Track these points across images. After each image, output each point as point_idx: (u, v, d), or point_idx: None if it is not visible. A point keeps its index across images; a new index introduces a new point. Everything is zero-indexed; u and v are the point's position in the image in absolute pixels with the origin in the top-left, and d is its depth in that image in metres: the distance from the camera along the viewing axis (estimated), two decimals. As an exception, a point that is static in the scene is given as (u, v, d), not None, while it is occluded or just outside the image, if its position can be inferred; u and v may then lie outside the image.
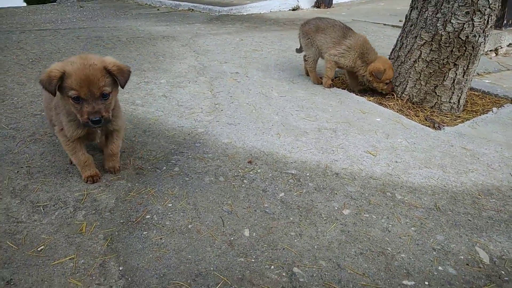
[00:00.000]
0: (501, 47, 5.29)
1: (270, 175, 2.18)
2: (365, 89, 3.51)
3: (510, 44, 5.37)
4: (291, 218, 1.84)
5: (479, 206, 2.00)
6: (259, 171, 2.21)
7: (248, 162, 2.29)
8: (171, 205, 1.87)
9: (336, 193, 2.05)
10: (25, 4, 14.27)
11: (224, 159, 2.31)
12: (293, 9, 7.84)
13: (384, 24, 5.98)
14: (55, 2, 12.23)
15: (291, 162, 2.32)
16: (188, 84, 3.42)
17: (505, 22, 5.25)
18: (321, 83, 3.55)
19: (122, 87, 1.79)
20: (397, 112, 3.09)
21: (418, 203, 2.01)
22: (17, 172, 2.08)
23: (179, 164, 2.21)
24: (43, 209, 1.81)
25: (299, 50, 3.75)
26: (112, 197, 1.90)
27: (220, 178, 2.11)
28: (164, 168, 2.17)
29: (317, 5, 8.02)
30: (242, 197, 1.97)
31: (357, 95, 3.40)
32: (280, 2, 7.76)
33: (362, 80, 3.44)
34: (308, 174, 2.21)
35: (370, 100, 3.29)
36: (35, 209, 1.81)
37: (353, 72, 3.41)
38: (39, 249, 1.58)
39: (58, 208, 1.82)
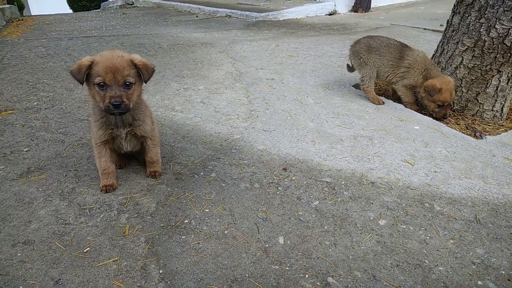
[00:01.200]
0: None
1: (304, 182, 2.20)
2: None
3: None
4: (326, 227, 1.85)
5: (523, 220, 1.93)
6: (293, 178, 2.24)
7: (282, 169, 2.33)
8: (208, 210, 1.94)
9: (372, 203, 2.04)
10: (71, 11, 15.11)
11: (259, 165, 2.36)
12: (330, 14, 7.80)
13: (424, 29, 5.83)
14: (100, 8, 12.87)
15: (326, 170, 2.33)
16: (225, 90, 3.50)
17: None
18: (382, 104, 3.27)
19: (145, 82, 1.90)
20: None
21: (458, 215, 1.96)
22: (66, 175, 2.23)
23: (216, 170, 2.28)
24: (89, 212, 1.93)
25: (351, 69, 3.50)
26: (153, 201, 1.99)
27: (255, 185, 2.16)
28: (202, 173, 2.25)
29: (355, 9, 7.93)
30: (276, 204, 2.00)
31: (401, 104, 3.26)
32: (317, 7, 7.75)
33: (418, 96, 3.20)
34: (343, 183, 2.21)
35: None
36: (82, 211, 1.93)
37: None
38: (85, 251, 1.69)
39: (103, 211, 1.93)
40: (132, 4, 11.77)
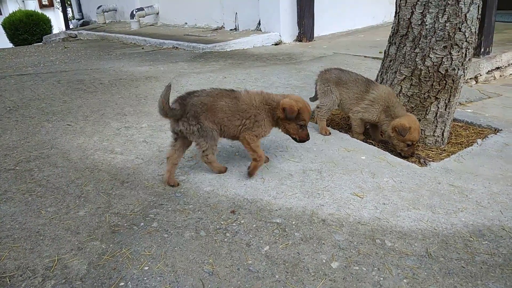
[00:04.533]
0: (481, 75, 5.38)
1: (254, 225, 2.09)
2: (386, 141, 3.24)
3: (489, 71, 5.48)
4: (277, 276, 1.73)
5: (471, 250, 1.93)
6: (242, 221, 2.12)
7: (231, 212, 2.20)
8: (147, 268, 1.75)
9: (324, 243, 1.96)
10: (11, 45, 14.33)
11: (206, 210, 2.21)
12: (276, 44, 7.96)
13: (365, 56, 6.07)
14: (42, 42, 12.32)
15: (276, 210, 2.23)
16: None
17: (482, 50, 5.38)
18: (329, 134, 3.26)
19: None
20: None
21: (409, 250, 1.92)
22: (-16, 236, 1.96)
23: (158, 219, 2.11)
24: (9, 280, 1.68)
25: (313, 99, 3.44)
26: (84, 262, 1.78)
27: (201, 233, 2.01)
28: (142, 224, 2.06)
29: (299, 39, 8.16)
30: (224, 254, 1.86)
31: (370, 143, 3.17)
32: (263, 37, 7.89)
33: (384, 135, 3.18)
34: (294, 223, 2.12)
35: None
36: (1, 281, 1.68)
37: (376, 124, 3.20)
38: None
39: (26, 279, 1.69)
40: (75, 37, 11.37)
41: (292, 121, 2.53)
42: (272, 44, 7.90)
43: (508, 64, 5.59)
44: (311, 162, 2.78)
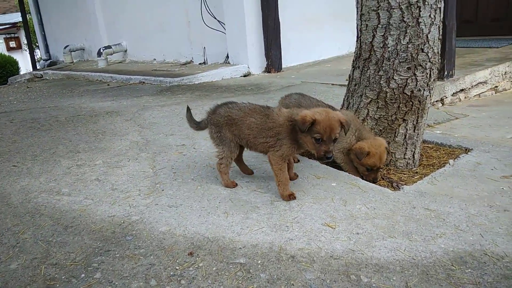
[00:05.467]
0: (446, 97, 5.44)
1: (214, 268, 1.84)
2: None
3: (454, 93, 5.55)
4: (238, 328, 1.48)
5: (455, 280, 1.74)
6: (201, 265, 1.87)
7: (188, 254, 1.95)
8: (83, 330, 1.47)
9: (293, 284, 1.73)
10: (-28, 88, 13.81)
11: (160, 253, 1.95)
12: (245, 75, 7.94)
13: (332, 84, 6.07)
14: (7, 83, 11.92)
15: (240, 248, 2.00)
16: (127, 162, 3.11)
17: (446, 73, 5.46)
18: (298, 162, 3.06)
19: (345, 134, 2.46)
20: (352, 173, 2.89)
21: (388, 285, 1.72)
22: None
23: (102, 268, 1.83)
24: None
25: None
26: (5, 329, 1.48)
27: (151, 282, 1.74)
28: (83, 275, 1.78)
29: (268, 70, 8.18)
30: (177, 305, 1.60)
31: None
32: (231, 69, 7.86)
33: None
34: (259, 262, 1.89)
35: (323, 163, 3.09)
36: None
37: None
38: None
39: None
40: (41, 77, 11.05)
41: (307, 133, 2.28)
42: (241, 76, 7.87)
43: (472, 86, 5.69)
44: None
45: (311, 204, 2.45)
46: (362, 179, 2.87)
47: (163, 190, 2.63)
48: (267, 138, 2.47)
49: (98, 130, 3.94)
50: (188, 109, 2.86)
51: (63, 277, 1.77)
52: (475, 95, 5.78)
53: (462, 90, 5.62)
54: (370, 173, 2.83)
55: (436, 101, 5.31)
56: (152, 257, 1.93)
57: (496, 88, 5.99)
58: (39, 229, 2.17)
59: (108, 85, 7.86)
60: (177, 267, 1.85)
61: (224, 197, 2.53)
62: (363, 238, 2.07)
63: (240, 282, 1.74)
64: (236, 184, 2.69)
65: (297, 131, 2.34)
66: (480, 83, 5.80)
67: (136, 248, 2.00)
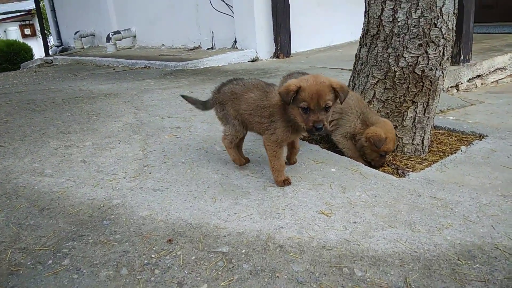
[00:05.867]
0: (461, 83, 5.14)
1: (193, 257, 1.68)
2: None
3: (470, 79, 5.25)
4: (209, 324, 1.32)
5: (460, 276, 1.54)
6: (179, 253, 1.71)
7: (167, 242, 1.79)
8: (37, 321, 1.33)
9: (278, 277, 1.56)
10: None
11: (136, 240, 1.80)
12: (252, 61, 7.72)
13: (342, 69, 5.82)
14: (19, 69, 11.95)
15: (224, 236, 1.83)
16: (117, 144, 2.96)
17: (462, 57, 5.16)
18: None
19: (341, 103, 2.12)
20: (355, 159, 2.69)
21: (384, 280, 1.53)
22: None
23: (72, 254, 1.69)
24: None
25: None
26: (-47, 317, 1.35)
27: (122, 271, 1.59)
28: (50, 262, 1.64)
29: (276, 55, 7.94)
30: (146, 297, 1.44)
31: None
32: (239, 54, 7.65)
33: (357, 144, 2.79)
34: (243, 251, 1.72)
35: (324, 147, 2.89)
36: None
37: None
38: None
39: None
40: (51, 63, 11.04)
41: (294, 105, 2.04)
42: (248, 61, 7.66)
43: (489, 72, 5.37)
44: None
45: (307, 190, 2.26)
46: (368, 165, 2.68)
47: (150, 173, 2.47)
48: (261, 118, 2.29)
49: (93, 112, 3.81)
50: (186, 96, 2.75)
51: (28, 263, 1.63)
52: (492, 82, 5.46)
53: (478, 76, 5.31)
54: (381, 158, 2.68)
55: (451, 86, 5.02)
56: (127, 243, 1.78)
57: (516, 74, 5.64)
58: (13, 211, 2.04)
59: (114, 69, 7.75)
60: (153, 255, 1.69)
61: (214, 181, 2.36)
62: (360, 228, 1.88)
63: (219, 273, 1.58)
64: (247, 161, 2.60)
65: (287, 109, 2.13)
66: (499, 69, 5.46)
67: (111, 234, 1.85)
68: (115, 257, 1.67)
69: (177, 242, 1.79)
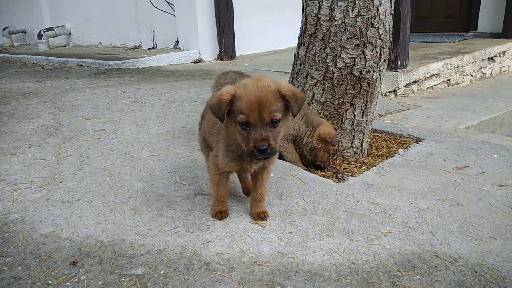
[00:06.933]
0: (399, 88, 5.27)
1: (100, 283, 1.40)
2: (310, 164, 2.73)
3: (407, 84, 5.39)
4: None
5: (400, 289, 1.42)
6: (83, 278, 1.42)
7: (70, 264, 1.50)
8: None
9: (199, 301, 1.33)
10: None
11: (32, 263, 1.49)
12: (195, 62, 7.45)
13: (285, 72, 5.74)
14: None
15: (141, 254, 1.58)
16: (27, 149, 2.57)
17: (399, 63, 5.29)
18: None
19: (294, 116, 1.57)
20: (294, 163, 2.54)
21: (319, 298, 1.37)
22: None
23: None
24: None
25: None
26: None
27: (2, 305, 1.28)
28: None
29: (220, 57, 7.73)
30: (29, 338, 1.15)
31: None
32: (181, 55, 7.34)
33: (303, 150, 2.67)
34: (162, 272, 1.48)
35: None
36: None
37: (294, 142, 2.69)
38: None
39: None
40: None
41: (231, 120, 1.57)
42: (191, 62, 7.37)
43: (425, 78, 5.57)
44: (206, 184, 2.18)
45: (241, 197, 2.07)
46: (309, 168, 2.58)
47: (61, 182, 2.14)
48: (213, 137, 1.83)
49: (5, 112, 3.34)
50: None
51: None
52: (428, 87, 5.66)
53: (415, 81, 5.48)
54: (329, 158, 2.66)
55: (389, 91, 5.12)
56: (20, 267, 1.46)
57: (448, 81, 5.91)
58: None
59: (43, 67, 7.09)
60: (50, 282, 1.39)
61: (136, 191, 2.09)
62: (296, 238, 1.71)
63: (129, 300, 1.32)
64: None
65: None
66: (433, 75, 5.69)
67: (2, 256, 1.52)
68: (1, 286, 1.35)
69: (82, 264, 1.50)
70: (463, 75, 6.12)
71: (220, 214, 1.84)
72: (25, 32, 12.09)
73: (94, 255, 1.55)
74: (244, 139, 1.52)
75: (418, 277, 1.48)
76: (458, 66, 5.99)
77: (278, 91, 1.51)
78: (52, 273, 1.44)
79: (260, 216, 1.84)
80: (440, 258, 1.57)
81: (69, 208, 1.88)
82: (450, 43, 7.23)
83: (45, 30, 9.88)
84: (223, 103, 1.50)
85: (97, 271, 1.46)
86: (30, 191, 2.04)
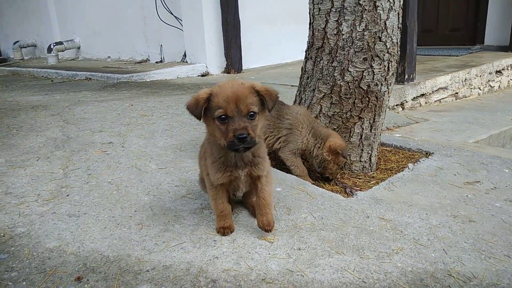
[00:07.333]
0: (406, 101, 5.24)
1: (104, 299, 1.38)
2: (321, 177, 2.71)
3: (414, 98, 5.37)
4: None
5: (413, 310, 1.37)
6: (87, 294, 1.40)
7: (75, 280, 1.48)
8: None
9: (206, 320, 1.30)
10: None
11: (37, 278, 1.47)
12: (203, 75, 7.50)
13: (292, 86, 5.75)
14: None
15: (147, 270, 1.55)
16: (35, 162, 2.58)
17: (406, 76, 5.27)
18: None
19: (269, 111, 1.67)
20: (302, 177, 2.52)
21: (329, 318, 1.33)
22: None
23: None
24: None
25: None
26: None
27: (5, 322, 1.26)
28: None
29: (227, 70, 7.78)
30: None
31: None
32: (188, 68, 7.40)
33: (312, 163, 2.66)
34: (168, 289, 1.45)
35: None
36: None
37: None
38: None
39: None
40: (-16, 74, 10.09)
41: (209, 118, 1.63)
42: (198, 75, 7.42)
43: (432, 91, 5.54)
44: None
45: (248, 212, 2.04)
46: (316, 182, 2.56)
47: (68, 195, 2.13)
48: (205, 164, 1.88)
49: (14, 125, 3.36)
50: None
51: None
52: (435, 101, 5.63)
53: (422, 95, 5.45)
54: (337, 170, 2.65)
55: (396, 105, 5.09)
56: (25, 283, 1.44)
57: (456, 94, 5.88)
58: None
59: (52, 81, 7.18)
60: (54, 298, 1.37)
61: (143, 205, 2.07)
62: (305, 255, 1.68)
63: (134, 318, 1.29)
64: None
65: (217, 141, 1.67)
66: (441, 88, 5.66)
67: (7, 271, 1.50)
68: (1, 305, 1.33)
69: (87, 280, 1.47)
70: (471, 89, 6.08)
71: (223, 230, 1.82)
72: (35, 46, 12.33)
73: (99, 270, 1.53)
74: (223, 133, 1.58)
75: (431, 296, 1.44)
76: (465, 79, 5.96)
77: (253, 87, 1.62)
78: (57, 289, 1.42)
79: (265, 228, 1.79)
80: (454, 277, 1.53)
81: (75, 222, 1.87)
82: (457, 56, 7.22)
83: (54, 44, 10.05)
84: (200, 101, 1.59)
85: (102, 287, 1.44)
86: (36, 204, 2.03)
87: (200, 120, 1.63)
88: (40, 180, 2.32)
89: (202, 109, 1.58)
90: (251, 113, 1.59)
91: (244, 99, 1.56)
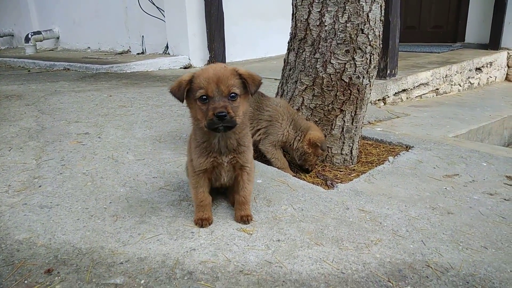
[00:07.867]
0: (388, 96, 5.28)
1: (74, 292, 1.32)
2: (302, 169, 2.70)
3: (396, 93, 5.42)
4: None
5: (391, 300, 1.37)
6: (57, 287, 1.34)
7: (45, 273, 1.41)
8: None
9: (180, 312, 1.26)
10: None
11: (5, 271, 1.40)
12: (185, 67, 7.39)
13: (275, 79, 5.71)
14: None
15: (121, 263, 1.50)
16: (6, 152, 2.48)
17: (388, 72, 5.31)
18: None
19: (252, 95, 1.69)
20: (283, 169, 2.49)
21: (307, 309, 1.31)
22: None
23: None
24: None
25: None
26: None
27: (-34, 317, 1.19)
28: None
29: (210, 63, 7.70)
30: None
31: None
32: (170, 60, 7.28)
33: (293, 155, 2.66)
34: (142, 282, 1.40)
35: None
36: None
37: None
38: None
39: None
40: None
41: (191, 100, 1.63)
42: (181, 67, 7.31)
43: (414, 87, 5.60)
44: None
45: (227, 204, 2.01)
46: (296, 174, 2.54)
47: (40, 186, 2.05)
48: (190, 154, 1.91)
49: (-15, 115, 3.23)
50: None
51: None
52: (417, 96, 5.70)
53: (404, 90, 5.50)
54: (316, 161, 2.67)
55: (378, 99, 5.13)
56: (-10, 277, 1.37)
57: (437, 90, 5.96)
58: None
59: (29, 71, 6.96)
60: (21, 292, 1.31)
61: (119, 196, 2.01)
62: (284, 247, 1.66)
63: (106, 312, 1.24)
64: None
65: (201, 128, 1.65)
66: (422, 84, 5.72)
67: (-29, 265, 1.43)
68: (-37, 299, 1.26)
69: (58, 272, 1.42)
70: (451, 85, 6.18)
71: (201, 222, 1.78)
72: (13, 35, 11.94)
73: (71, 263, 1.47)
74: (204, 113, 1.58)
75: (409, 287, 1.43)
76: (446, 75, 6.05)
77: (235, 70, 1.63)
78: (26, 281, 1.36)
79: (243, 219, 1.82)
80: (431, 267, 1.53)
81: (47, 213, 1.80)
82: (439, 53, 7.31)
83: (32, 34, 9.74)
84: (183, 83, 1.60)
85: (73, 280, 1.38)
86: (7, 195, 1.95)
87: (182, 102, 1.64)
88: (12, 171, 2.22)
89: (185, 90, 1.60)
90: (232, 94, 1.58)
91: (226, 80, 1.57)
